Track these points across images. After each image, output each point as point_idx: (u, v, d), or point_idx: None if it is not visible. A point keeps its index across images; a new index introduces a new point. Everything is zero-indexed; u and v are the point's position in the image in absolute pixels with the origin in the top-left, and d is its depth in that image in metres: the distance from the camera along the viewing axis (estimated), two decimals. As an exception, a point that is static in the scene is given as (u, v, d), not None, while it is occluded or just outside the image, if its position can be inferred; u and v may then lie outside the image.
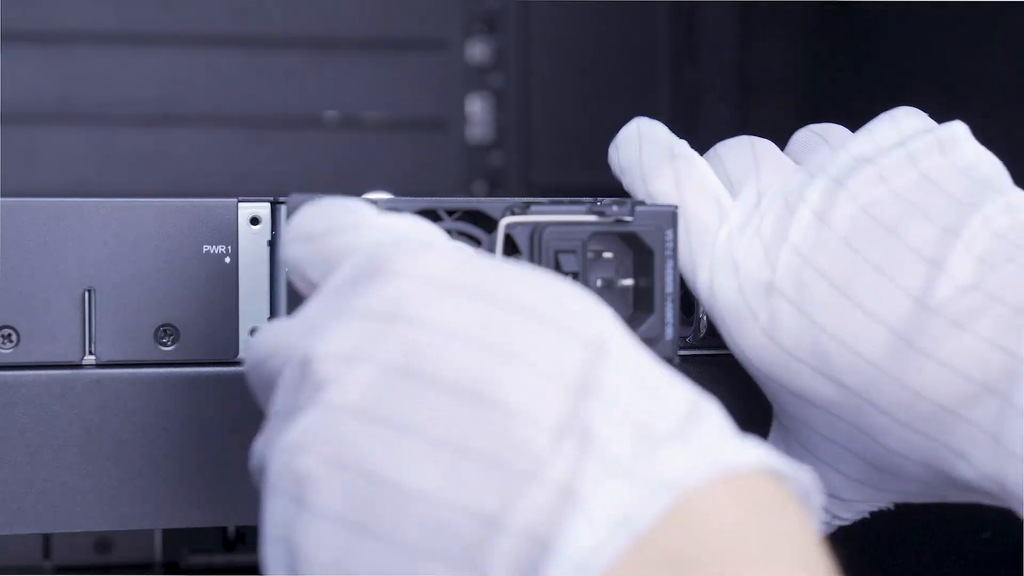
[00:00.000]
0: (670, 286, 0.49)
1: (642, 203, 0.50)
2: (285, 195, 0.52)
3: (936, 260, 0.47)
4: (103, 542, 0.77)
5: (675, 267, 0.49)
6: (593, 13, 1.06)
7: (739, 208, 0.51)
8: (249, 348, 0.44)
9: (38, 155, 1.00)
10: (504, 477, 0.36)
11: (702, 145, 0.55)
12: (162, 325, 0.52)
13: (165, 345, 0.52)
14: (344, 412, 0.37)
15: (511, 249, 0.48)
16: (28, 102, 1.00)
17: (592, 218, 0.48)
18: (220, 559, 0.77)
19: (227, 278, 0.52)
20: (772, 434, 0.55)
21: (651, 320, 0.49)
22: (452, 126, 1.06)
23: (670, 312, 0.49)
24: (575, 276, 0.48)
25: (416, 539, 0.36)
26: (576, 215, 0.48)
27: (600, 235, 0.49)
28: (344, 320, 0.39)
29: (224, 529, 0.77)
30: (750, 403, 0.56)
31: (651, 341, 0.49)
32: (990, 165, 0.51)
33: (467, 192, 1.06)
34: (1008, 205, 0.48)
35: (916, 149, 0.50)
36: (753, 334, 0.50)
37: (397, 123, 1.06)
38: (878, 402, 0.48)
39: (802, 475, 0.37)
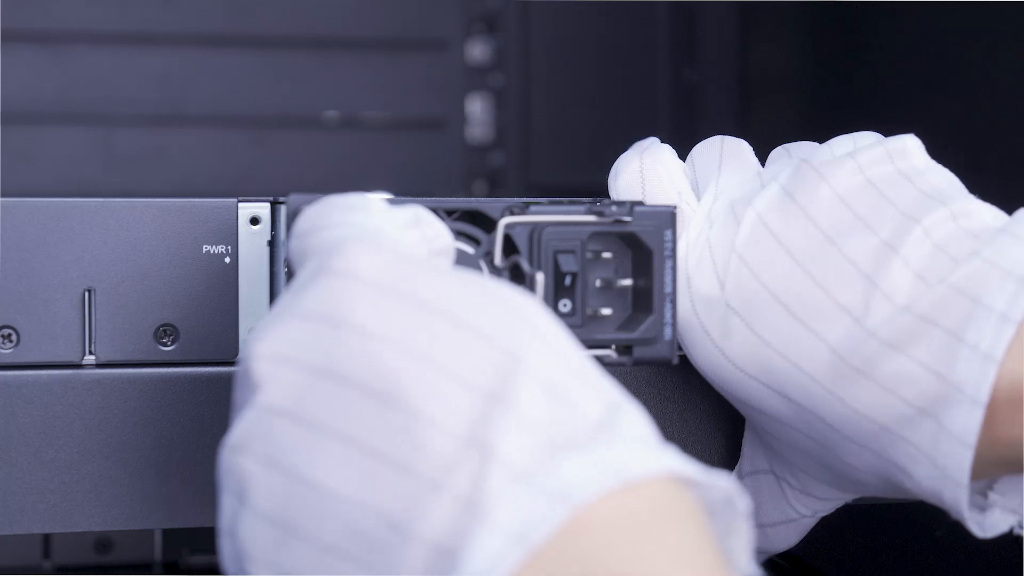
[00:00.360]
0: (669, 286, 0.49)
1: (641, 203, 0.50)
2: (285, 195, 0.52)
3: (873, 277, 0.47)
4: (103, 542, 0.77)
5: (674, 267, 0.49)
6: (593, 13, 1.06)
7: (695, 218, 0.51)
8: None
9: (38, 155, 1.00)
10: (412, 484, 0.36)
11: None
12: (162, 325, 0.52)
13: (165, 345, 0.52)
14: (274, 413, 0.38)
15: (510, 249, 0.48)
16: (28, 102, 1.00)
17: (591, 218, 0.48)
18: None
19: (227, 278, 0.52)
20: (746, 434, 0.55)
21: (650, 320, 0.49)
22: (452, 126, 1.06)
23: (669, 312, 0.49)
24: (574, 276, 0.48)
25: (334, 540, 0.37)
26: (575, 215, 0.48)
27: (599, 235, 0.49)
28: (282, 320, 0.40)
29: (224, 529, 0.76)
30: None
31: (650, 341, 0.49)
32: (938, 175, 0.51)
33: (467, 192, 1.06)
34: (952, 214, 0.48)
35: (865, 159, 0.50)
36: (706, 348, 0.50)
37: (397, 123, 1.06)
38: (826, 418, 0.48)
39: (719, 482, 0.37)
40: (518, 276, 0.48)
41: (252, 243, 0.52)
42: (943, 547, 0.72)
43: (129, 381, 0.52)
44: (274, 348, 0.39)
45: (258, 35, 1.03)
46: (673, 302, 0.49)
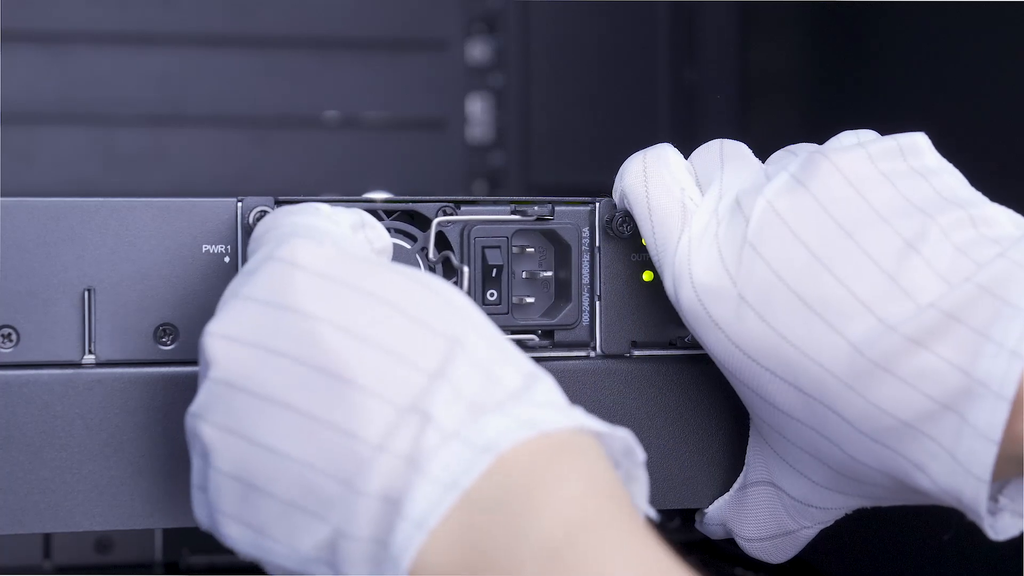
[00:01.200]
0: (587, 277, 0.55)
1: (562, 203, 0.55)
2: (285, 195, 0.53)
3: (895, 275, 0.47)
4: (103, 542, 0.77)
5: (592, 260, 0.55)
6: (593, 13, 1.06)
7: (699, 214, 0.52)
8: None
9: (38, 155, 1.00)
10: (358, 446, 0.42)
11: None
12: (161, 324, 0.52)
13: (165, 344, 0.52)
14: (227, 385, 0.44)
15: (443, 245, 0.54)
16: (28, 102, 1.00)
17: (515, 217, 0.54)
18: (220, 559, 0.77)
19: (226, 277, 0.52)
20: (751, 440, 0.55)
21: (569, 308, 0.55)
22: (452, 126, 1.06)
23: (586, 300, 0.55)
24: (499, 269, 0.54)
25: (292, 496, 0.42)
26: (501, 215, 0.54)
27: (523, 232, 0.55)
28: (233, 303, 0.45)
29: (224, 529, 0.76)
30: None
31: (569, 326, 0.55)
32: (951, 175, 0.51)
33: (468, 191, 1.06)
34: (971, 218, 0.48)
35: (876, 151, 0.50)
36: (719, 341, 0.50)
37: (397, 123, 1.06)
38: (841, 412, 0.48)
39: (619, 432, 0.43)
40: (449, 269, 0.54)
41: (252, 243, 0.52)
42: (943, 548, 0.72)
43: (129, 381, 0.52)
44: (224, 327, 0.44)
45: (258, 35, 1.03)
46: (591, 292, 0.55)
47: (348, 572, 0.42)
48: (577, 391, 0.55)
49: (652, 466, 0.56)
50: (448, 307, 0.44)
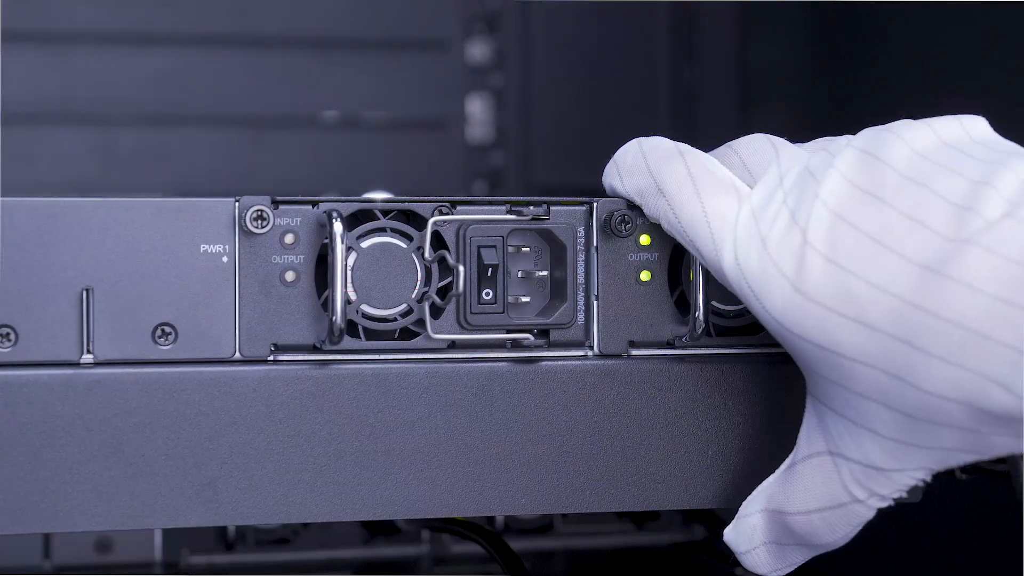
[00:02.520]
0: (582, 277, 0.55)
1: (557, 203, 0.55)
2: (284, 195, 0.53)
3: (967, 206, 0.48)
4: (103, 542, 0.77)
5: (587, 260, 0.55)
6: (593, 13, 1.06)
7: (760, 189, 0.52)
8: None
9: (38, 155, 1.01)
10: None
11: (702, 145, 0.55)
12: (160, 324, 0.52)
13: (163, 344, 0.52)
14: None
15: (439, 244, 0.54)
16: (28, 102, 1.00)
17: (511, 217, 0.55)
18: (220, 559, 0.77)
19: (224, 277, 0.52)
20: (806, 415, 0.54)
21: (564, 307, 0.55)
22: (452, 126, 1.06)
23: (581, 300, 0.55)
24: (494, 268, 0.54)
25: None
26: (497, 214, 0.55)
27: (519, 232, 0.55)
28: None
29: (224, 529, 0.77)
30: (744, 402, 0.56)
31: (565, 325, 0.55)
32: (1011, 144, 0.51)
33: (467, 191, 1.06)
34: None
35: (938, 125, 0.51)
36: (782, 291, 0.50)
37: (397, 123, 1.06)
38: (910, 338, 0.48)
39: None
40: (445, 268, 0.54)
41: (250, 243, 0.52)
42: (943, 548, 0.72)
43: (128, 380, 0.52)
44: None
45: (258, 35, 1.04)
46: (587, 291, 0.55)
47: None
48: (575, 391, 0.55)
49: (649, 467, 0.56)
50: None
